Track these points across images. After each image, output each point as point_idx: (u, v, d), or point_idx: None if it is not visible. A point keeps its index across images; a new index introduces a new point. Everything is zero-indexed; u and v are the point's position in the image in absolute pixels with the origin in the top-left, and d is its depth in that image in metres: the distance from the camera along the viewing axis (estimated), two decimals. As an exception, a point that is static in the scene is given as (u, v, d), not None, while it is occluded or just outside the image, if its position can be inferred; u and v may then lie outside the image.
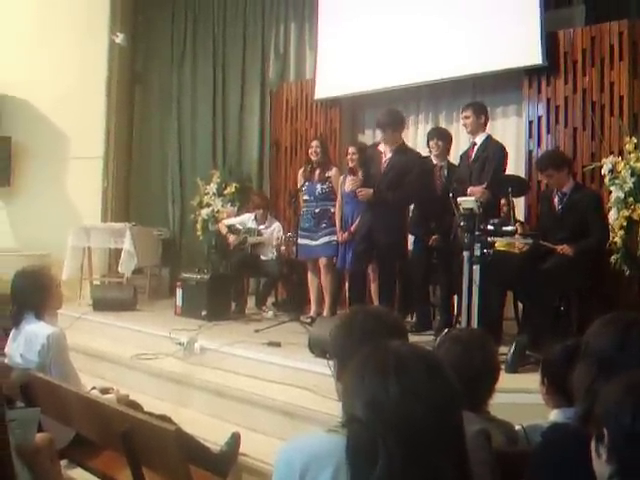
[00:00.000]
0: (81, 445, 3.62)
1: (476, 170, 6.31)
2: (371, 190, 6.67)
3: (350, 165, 7.28)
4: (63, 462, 3.62)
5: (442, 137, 7.08)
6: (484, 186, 6.07)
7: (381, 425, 1.45)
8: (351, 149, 7.37)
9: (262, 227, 8.52)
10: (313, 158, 7.67)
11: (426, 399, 1.47)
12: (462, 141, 7.69)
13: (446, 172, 6.97)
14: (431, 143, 7.09)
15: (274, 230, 8.45)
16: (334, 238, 7.40)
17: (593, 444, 1.66)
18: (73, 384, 3.69)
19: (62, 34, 9.78)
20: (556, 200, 6.01)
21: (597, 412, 1.68)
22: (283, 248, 8.07)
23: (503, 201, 6.49)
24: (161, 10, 11.21)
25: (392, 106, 8.59)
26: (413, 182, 6.62)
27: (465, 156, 6.61)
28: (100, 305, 8.36)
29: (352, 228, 7.17)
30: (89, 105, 9.94)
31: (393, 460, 1.42)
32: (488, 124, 6.67)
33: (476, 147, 6.43)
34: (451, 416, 1.52)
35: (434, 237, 6.89)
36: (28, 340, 3.87)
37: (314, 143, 7.77)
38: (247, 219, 8.70)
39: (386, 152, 6.79)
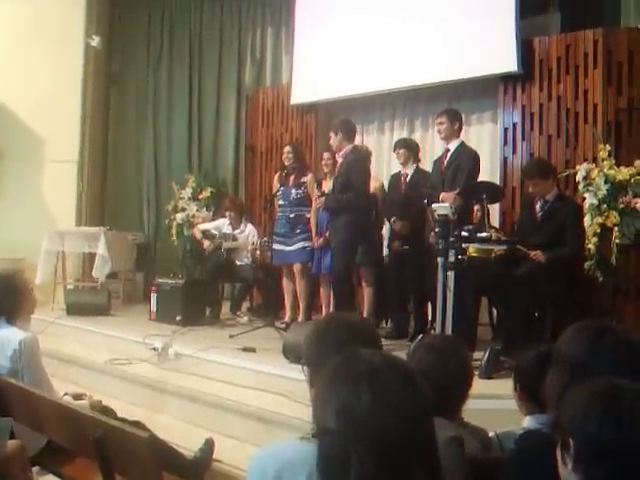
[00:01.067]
0: (53, 452, 3.58)
1: (449, 176, 6.33)
2: (322, 198, 6.80)
3: (325, 171, 7.30)
4: (35, 469, 3.57)
5: (405, 146, 7.23)
6: (456, 192, 6.09)
7: (352, 433, 1.44)
8: (326, 155, 7.40)
9: (237, 232, 8.51)
10: (286, 163, 7.65)
11: (398, 408, 1.45)
12: (437, 147, 7.73)
13: (408, 179, 7.08)
14: (394, 153, 7.30)
15: (249, 234, 8.44)
16: (309, 244, 7.38)
17: (559, 451, 1.64)
18: (46, 390, 3.64)
19: (38, 37, 9.71)
20: (538, 206, 6.03)
21: (563, 419, 1.65)
22: (258, 253, 8.06)
23: (476, 207, 6.54)
24: (137, 13, 11.17)
25: (368, 112, 8.66)
26: (357, 179, 6.65)
27: (438, 162, 6.63)
28: (74, 310, 8.31)
29: (327, 233, 7.16)
30: (64, 108, 9.86)
31: (365, 468, 1.41)
32: (463, 130, 6.71)
33: (449, 153, 6.45)
34: (423, 425, 1.50)
35: (395, 242, 7.03)
36: (0, 345, 3.83)
37: (286, 149, 7.74)
38: (222, 224, 8.69)
39: (338, 158, 6.89)
